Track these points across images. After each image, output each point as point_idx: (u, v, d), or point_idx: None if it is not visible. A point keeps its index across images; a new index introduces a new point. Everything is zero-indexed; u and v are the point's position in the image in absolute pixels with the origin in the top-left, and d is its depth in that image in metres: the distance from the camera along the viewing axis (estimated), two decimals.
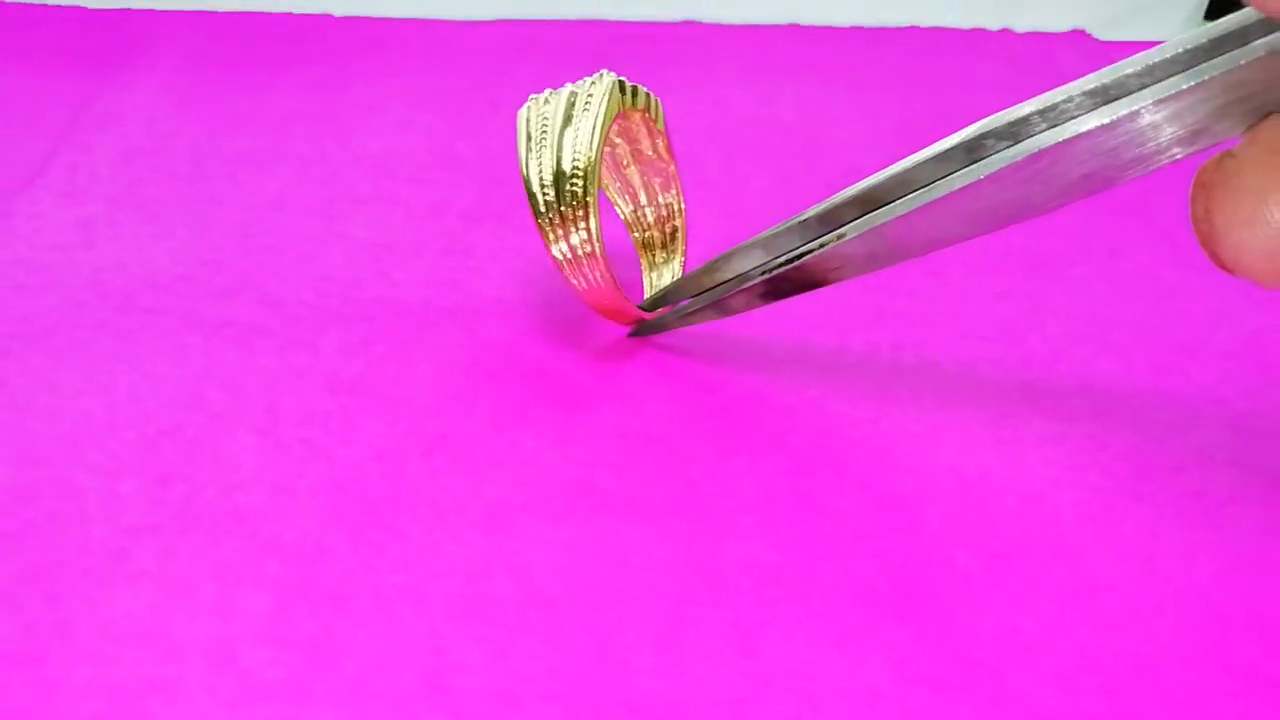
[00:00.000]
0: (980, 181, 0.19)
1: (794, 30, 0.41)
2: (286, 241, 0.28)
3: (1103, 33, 0.41)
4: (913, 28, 0.41)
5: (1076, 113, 0.18)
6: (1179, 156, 0.18)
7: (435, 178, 0.31)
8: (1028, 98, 0.19)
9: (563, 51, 0.39)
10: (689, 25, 0.41)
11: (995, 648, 0.19)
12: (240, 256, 0.28)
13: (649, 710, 0.17)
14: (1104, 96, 0.17)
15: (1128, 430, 0.23)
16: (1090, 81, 0.18)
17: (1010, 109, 0.18)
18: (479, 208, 0.30)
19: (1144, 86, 0.17)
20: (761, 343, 0.25)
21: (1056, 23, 0.41)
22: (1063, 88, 0.18)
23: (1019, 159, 0.18)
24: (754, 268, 0.22)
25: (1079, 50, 0.39)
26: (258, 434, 0.22)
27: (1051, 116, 0.18)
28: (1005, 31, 0.41)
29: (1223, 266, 0.17)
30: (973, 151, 0.19)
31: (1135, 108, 0.17)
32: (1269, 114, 0.17)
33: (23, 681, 0.17)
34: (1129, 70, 0.17)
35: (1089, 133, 0.17)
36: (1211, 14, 0.44)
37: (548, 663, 0.18)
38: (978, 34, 0.41)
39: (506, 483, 0.21)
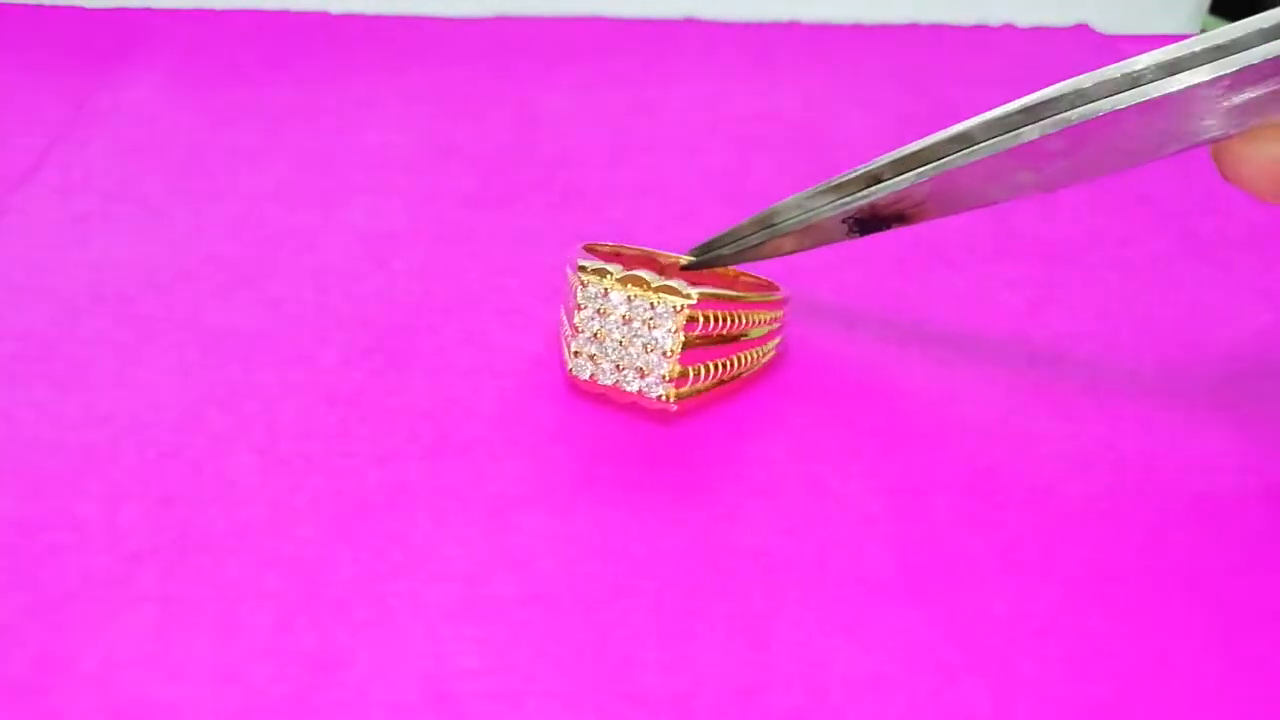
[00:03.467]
0: (1049, 137, 0.19)
1: (794, 28, 0.40)
2: (284, 233, 0.28)
3: (1106, 27, 0.40)
4: (914, 24, 0.41)
5: (1153, 78, 0.18)
6: (1218, 134, 0.18)
7: (432, 167, 0.31)
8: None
9: (563, 48, 0.38)
10: (690, 22, 0.41)
11: (1004, 634, 0.18)
12: (238, 250, 0.28)
13: (656, 702, 0.17)
14: (1171, 69, 0.18)
15: (1133, 425, 0.23)
16: (1159, 55, 0.18)
17: (1079, 78, 0.18)
18: (476, 196, 0.30)
19: (1212, 60, 0.17)
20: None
21: (1059, 17, 0.41)
22: (1133, 60, 0.18)
23: (1089, 119, 0.18)
24: (827, 204, 0.22)
25: (1082, 45, 0.39)
26: (257, 452, 0.22)
27: (1125, 82, 0.18)
28: (1007, 27, 0.40)
29: (1225, 178, 0.19)
30: (1035, 114, 0.19)
31: (1207, 79, 0.17)
32: None
33: (30, 712, 0.17)
34: (1195, 48, 0.17)
35: (1174, 95, 0.18)
36: (1217, 8, 0.44)
37: (552, 659, 0.18)
38: (980, 30, 0.40)
39: (506, 478, 0.21)
